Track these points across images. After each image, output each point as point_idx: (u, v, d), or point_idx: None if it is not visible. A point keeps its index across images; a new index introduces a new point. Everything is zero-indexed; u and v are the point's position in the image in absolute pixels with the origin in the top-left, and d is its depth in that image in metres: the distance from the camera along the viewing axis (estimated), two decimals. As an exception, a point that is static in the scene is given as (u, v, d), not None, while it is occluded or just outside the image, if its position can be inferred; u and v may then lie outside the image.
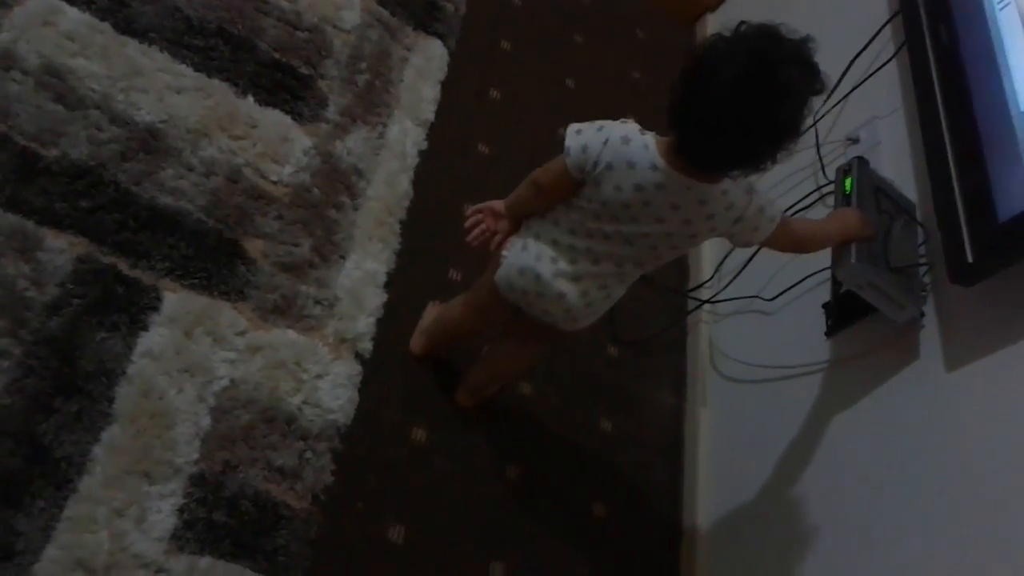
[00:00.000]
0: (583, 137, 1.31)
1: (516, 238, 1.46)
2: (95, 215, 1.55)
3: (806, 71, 1.17)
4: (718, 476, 1.95)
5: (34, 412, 1.35)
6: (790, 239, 1.42)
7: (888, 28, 1.92)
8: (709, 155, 1.24)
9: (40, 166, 1.55)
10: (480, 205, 1.50)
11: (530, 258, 1.42)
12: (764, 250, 1.91)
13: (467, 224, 1.50)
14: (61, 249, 1.49)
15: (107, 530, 1.32)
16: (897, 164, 1.75)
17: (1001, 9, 1.46)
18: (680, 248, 1.39)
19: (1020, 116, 1.35)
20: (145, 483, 1.38)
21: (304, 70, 1.99)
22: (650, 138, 1.29)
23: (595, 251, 1.38)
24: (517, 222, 1.47)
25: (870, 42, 1.94)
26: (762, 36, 1.18)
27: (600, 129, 1.31)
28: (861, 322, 1.64)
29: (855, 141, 1.91)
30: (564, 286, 1.41)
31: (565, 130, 1.34)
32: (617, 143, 1.29)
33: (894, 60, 1.88)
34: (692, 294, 2.27)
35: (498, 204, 1.48)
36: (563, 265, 1.40)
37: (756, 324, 2.05)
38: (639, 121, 1.33)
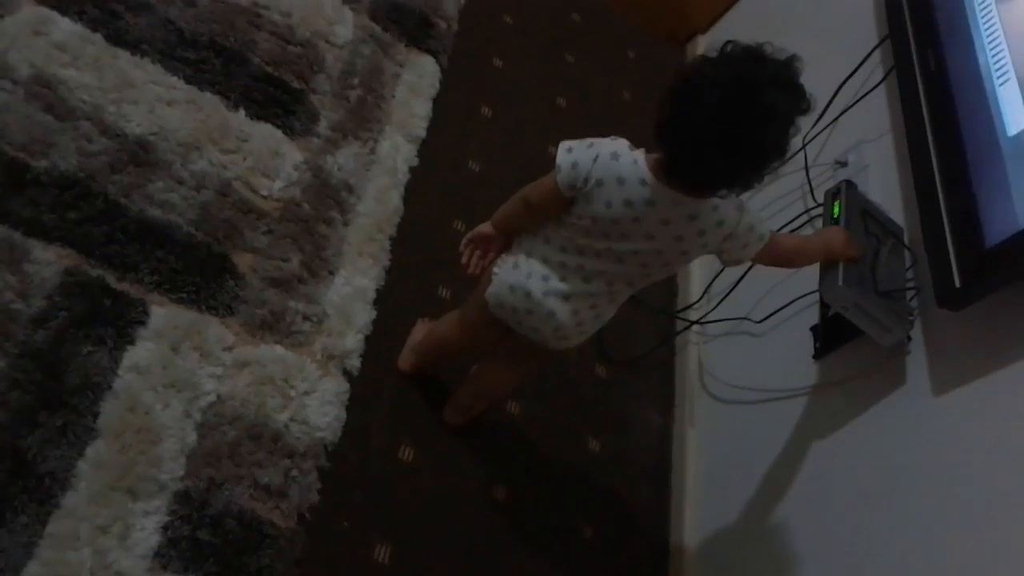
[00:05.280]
0: (573, 155, 1.32)
1: (507, 256, 1.45)
2: (83, 227, 1.54)
3: (790, 93, 1.18)
4: (706, 497, 1.94)
5: (18, 426, 1.33)
6: (777, 254, 1.43)
7: (877, 52, 1.94)
8: (695, 174, 1.25)
9: (29, 177, 1.54)
10: (470, 235, 1.50)
11: (521, 276, 1.41)
12: (753, 271, 1.92)
13: (463, 260, 1.51)
14: (49, 261, 1.47)
15: (90, 547, 1.30)
16: (885, 188, 1.76)
17: (987, 30, 1.48)
18: (671, 266, 1.39)
19: (1008, 141, 1.37)
20: (129, 500, 1.36)
21: (296, 84, 1.99)
22: (640, 154, 1.30)
23: (586, 269, 1.38)
24: (508, 238, 1.47)
25: (859, 66, 1.96)
26: (747, 58, 1.18)
27: (590, 146, 1.32)
28: (848, 345, 1.65)
29: (843, 164, 1.92)
30: (554, 304, 1.40)
31: (556, 148, 1.34)
32: (607, 159, 1.29)
33: (883, 84, 1.90)
34: (681, 315, 2.27)
35: (486, 228, 1.48)
36: (554, 283, 1.40)
37: (745, 345, 2.05)
38: (629, 141, 1.33)
